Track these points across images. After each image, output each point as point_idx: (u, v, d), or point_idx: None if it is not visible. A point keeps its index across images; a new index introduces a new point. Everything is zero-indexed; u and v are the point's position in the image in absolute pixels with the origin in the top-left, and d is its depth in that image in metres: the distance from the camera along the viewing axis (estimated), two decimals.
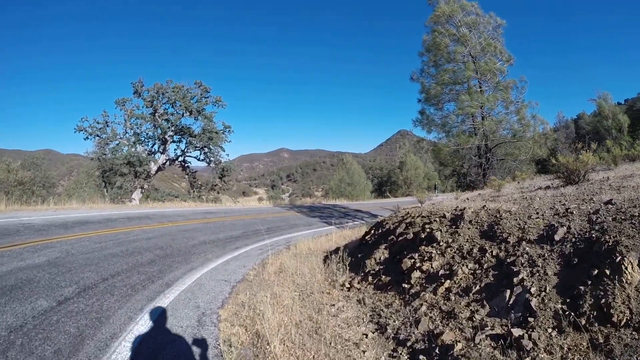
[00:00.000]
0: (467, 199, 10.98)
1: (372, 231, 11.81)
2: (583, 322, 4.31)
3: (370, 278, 8.52)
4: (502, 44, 23.01)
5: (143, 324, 5.79)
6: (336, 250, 11.09)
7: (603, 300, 4.32)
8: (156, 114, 36.37)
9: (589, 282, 4.52)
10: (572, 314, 4.45)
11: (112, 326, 5.64)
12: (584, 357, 3.99)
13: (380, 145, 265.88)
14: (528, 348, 4.29)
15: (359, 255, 10.18)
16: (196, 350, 5.14)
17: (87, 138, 34.81)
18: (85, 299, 6.61)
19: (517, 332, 4.57)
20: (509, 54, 22.97)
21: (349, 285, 8.49)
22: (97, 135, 34.87)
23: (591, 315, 4.31)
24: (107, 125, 35.47)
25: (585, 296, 4.53)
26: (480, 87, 22.42)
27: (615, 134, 42.93)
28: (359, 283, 8.53)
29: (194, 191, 38.86)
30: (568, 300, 4.66)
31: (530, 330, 4.55)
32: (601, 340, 4.04)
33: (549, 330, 4.47)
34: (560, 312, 4.56)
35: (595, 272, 4.78)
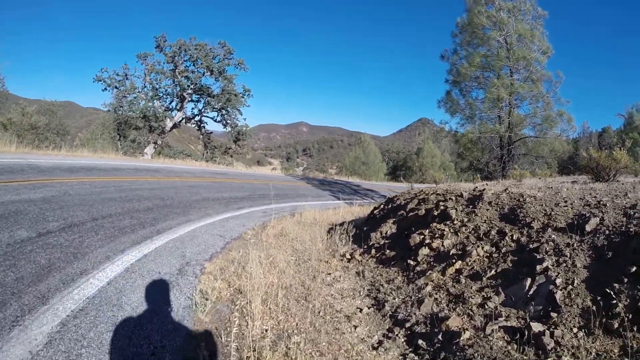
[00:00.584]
0: (487, 184, 10.44)
1: (382, 206, 11.45)
2: (616, 325, 3.80)
3: (373, 251, 8.14)
4: (541, 33, 22.07)
5: (119, 265, 5.45)
6: (342, 224, 10.69)
7: None
8: (176, 70, 36.05)
9: (625, 280, 4.03)
10: (604, 313, 3.95)
11: (85, 263, 5.32)
12: None
13: (399, 131, 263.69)
14: (549, 347, 3.81)
15: (365, 229, 9.82)
16: (166, 298, 4.79)
17: (105, 89, 34.67)
18: (68, 234, 6.30)
19: (537, 327, 4.08)
20: (547, 45, 21.98)
21: (349, 257, 8.11)
22: (116, 87, 34.68)
23: (626, 318, 3.72)
24: (127, 78, 35.29)
25: (620, 295, 4.01)
26: (511, 75, 21.59)
27: None
28: (360, 255, 8.14)
29: (207, 152, 38.60)
30: (599, 298, 4.15)
31: (553, 327, 4.06)
32: (635, 347, 3.53)
33: (575, 329, 3.97)
34: (590, 310, 4.06)
35: (634, 269, 4.28)
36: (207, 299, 4.80)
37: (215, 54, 36.76)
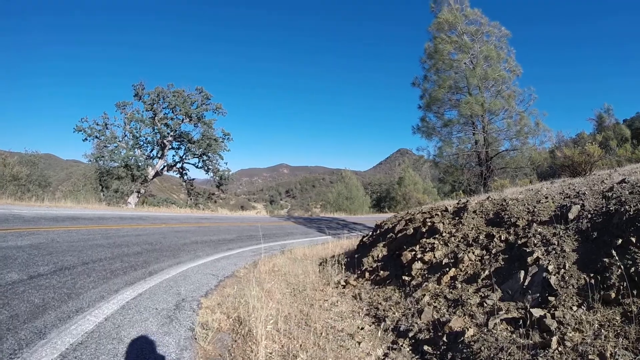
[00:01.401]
0: (469, 198, 10.63)
1: (371, 233, 11.53)
2: (613, 295, 4.01)
3: (367, 275, 8.21)
4: (507, 53, 22.76)
5: (115, 303, 5.41)
6: (332, 257, 10.69)
7: (633, 269, 4.08)
8: (156, 117, 36.20)
9: (614, 253, 4.21)
10: (600, 286, 4.16)
11: (80, 302, 5.29)
12: (620, 330, 3.63)
13: (379, 164, 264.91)
14: (552, 328, 3.94)
15: (356, 256, 9.82)
16: (166, 330, 4.74)
17: (85, 139, 34.53)
18: (59, 277, 6.27)
19: (537, 312, 4.25)
20: (516, 64, 22.68)
21: (344, 283, 8.10)
22: (96, 137, 34.55)
23: (621, 287, 3.99)
24: (107, 128, 35.25)
25: (612, 268, 4.25)
26: (482, 95, 22.06)
27: (617, 144, 42.59)
28: (355, 280, 8.15)
29: (190, 199, 38.45)
30: (592, 275, 4.37)
31: (553, 309, 4.23)
32: (636, 311, 3.70)
33: (574, 307, 4.14)
34: (586, 287, 4.26)
35: (620, 241, 4.55)
36: (208, 330, 4.76)
37: (193, 100, 37.04)
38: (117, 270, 7.28)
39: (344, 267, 9.21)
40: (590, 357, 3.37)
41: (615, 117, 50.74)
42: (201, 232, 15.70)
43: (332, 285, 7.95)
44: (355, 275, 8.45)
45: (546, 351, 3.66)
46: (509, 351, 3.87)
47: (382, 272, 7.90)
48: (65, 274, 6.44)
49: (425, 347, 4.65)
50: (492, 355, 3.93)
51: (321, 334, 4.97)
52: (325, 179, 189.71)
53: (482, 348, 4.08)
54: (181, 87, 37.10)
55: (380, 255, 8.87)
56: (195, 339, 4.57)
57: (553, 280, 4.65)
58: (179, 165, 39.07)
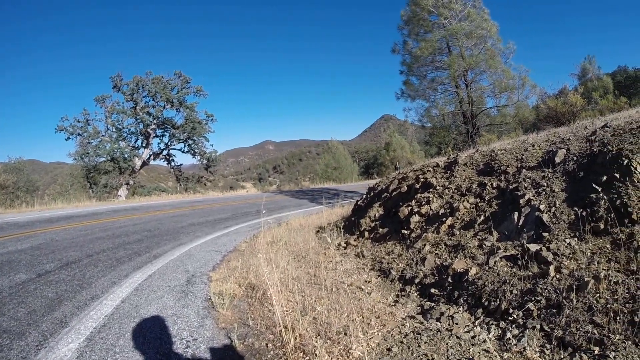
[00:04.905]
0: (458, 154, 10.80)
1: (365, 196, 11.63)
2: (602, 226, 4.35)
3: (366, 234, 8.38)
4: (482, 11, 22.71)
5: (127, 287, 5.56)
6: (329, 223, 10.86)
7: (618, 201, 4.40)
8: (137, 107, 35.86)
9: (599, 189, 4.37)
10: (590, 219, 4.48)
11: (93, 290, 5.42)
12: (611, 256, 3.93)
13: (364, 132, 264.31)
14: (549, 259, 4.21)
15: (353, 219, 9.97)
16: (183, 303, 4.92)
17: (68, 138, 34.12)
18: (67, 271, 6.38)
19: (533, 247, 4.51)
20: (491, 22, 22.54)
21: (345, 245, 8.25)
22: (79, 134, 34.21)
23: (609, 218, 4.32)
24: (88, 124, 34.85)
25: (599, 202, 4.54)
26: (462, 54, 22.08)
27: (600, 96, 42.70)
28: (355, 241, 8.31)
29: (180, 184, 38.41)
30: (581, 211, 4.59)
31: (548, 243, 4.51)
32: (624, 239, 4.02)
33: (567, 240, 4.42)
34: (576, 221, 4.57)
35: (604, 178, 4.85)
36: (223, 298, 4.91)
37: (172, 85, 36.72)
38: (122, 258, 7.40)
39: (342, 230, 9.38)
40: (586, 279, 3.62)
41: (599, 68, 50.69)
42: (196, 215, 15.74)
43: (334, 248, 8.07)
44: (355, 236, 8.61)
45: (545, 279, 3.93)
46: (511, 283, 4.15)
47: (381, 229, 8.08)
48: (72, 268, 6.56)
49: (432, 290, 4.88)
50: (496, 288, 4.19)
51: (332, 289, 5.11)
52: (312, 152, 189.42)
53: (486, 283, 4.35)
54: (160, 73, 36.76)
55: (377, 215, 9.00)
56: (213, 307, 4.75)
57: (545, 217, 4.94)
58: (165, 152, 38.92)
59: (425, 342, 3.59)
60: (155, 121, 36.64)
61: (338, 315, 3.98)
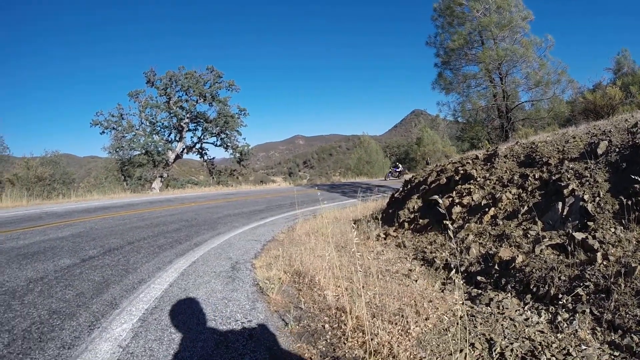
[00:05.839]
0: (497, 146, 10.71)
1: (401, 189, 11.57)
2: None
3: (406, 225, 8.39)
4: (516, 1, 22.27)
5: (173, 272, 5.62)
6: (365, 217, 10.83)
7: None
8: (170, 101, 36.38)
9: None
10: (634, 208, 4.58)
11: (139, 274, 5.48)
12: None
13: (394, 127, 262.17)
14: (595, 247, 4.32)
15: (390, 211, 10.02)
16: (232, 287, 4.95)
17: (103, 132, 34.92)
18: (111, 257, 6.46)
19: (579, 235, 4.63)
20: (527, 10, 22.24)
21: (384, 235, 8.27)
22: (113, 128, 34.88)
23: None
24: (122, 118, 35.51)
25: None
26: (495, 47, 21.73)
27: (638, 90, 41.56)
28: (394, 232, 8.33)
29: (213, 178, 38.70)
30: (625, 200, 4.70)
31: (593, 232, 4.62)
32: None
33: (612, 229, 4.56)
34: (621, 211, 4.69)
35: None
36: (271, 283, 4.93)
37: (205, 79, 37.08)
38: (164, 245, 7.48)
39: (380, 222, 9.33)
40: (633, 265, 3.73)
41: (633, 62, 49.37)
42: (231, 206, 15.84)
43: (373, 239, 8.08)
44: (394, 228, 8.61)
45: (592, 266, 4.04)
46: (558, 269, 4.24)
47: (421, 220, 8.07)
48: (115, 254, 6.64)
49: (479, 278, 4.95)
50: (544, 275, 4.27)
51: (378, 276, 5.15)
52: (342, 146, 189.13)
53: (534, 270, 4.43)
54: (192, 68, 37.12)
55: (415, 207, 9.01)
56: (262, 292, 4.77)
57: (590, 207, 5.04)
58: (197, 146, 39.35)
59: (481, 324, 3.69)
60: (188, 115, 37.11)
61: (390, 299, 3.96)
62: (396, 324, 3.56)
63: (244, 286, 4.99)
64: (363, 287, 4.35)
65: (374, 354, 3.06)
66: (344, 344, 3.41)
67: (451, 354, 3.14)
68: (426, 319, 3.78)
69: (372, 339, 3.28)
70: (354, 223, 10.48)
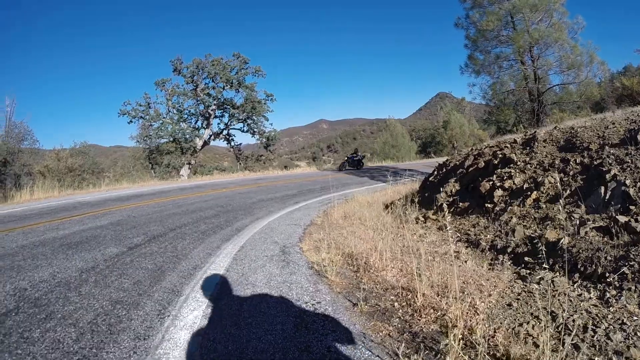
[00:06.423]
0: (536, 131, 10.64)
1: (435, 173, 11.54)
2: None
3: (445, 208, 8.17)
4: None
5: (225, 257, 5.73)
6: (399, 199, 10.76)
7: None
8: (197, 89, 36.64)
9: None
10: None
11: (191, 261, 5.59)
12: None
13: (419, 110, 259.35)
14: (638, 229, 4.42)
15: (426, 195, 10.04)
16: (289, 271, 5.05)
17: (130, 121, 35.26)
18: (157, 244, 6.59)
19: (622, 218, 4.73)
20: None
21: (423, 219, 8.28)
22: (141, 117, 35.21)
23: None
24: (150, 107, 35.81)
25: None
26: (527, 28, 21.36)
27: None
28: (433, 214, 8.35)
29: (240, 163, 38.86)
30: None
31: (636, 215, 4.73)
32: None
33: None
34: None
35: None
36: (326, 266, 4.98)
37: (231, 66, 37.15)
38: (207, 231, 7.61)
39: (417, 205, 9.31)
40: None
41: None
42: (262, 192, 15.96)
43: (411, 222, 8.07)
44: (432, 211, 8.62)
45: (637, 247, 4.16)
46: (604, 250, 4.35)
47: (461, 204, 8.07)
48: (160, 241, 6.77)
49: (526, 258, 5.02)
50: (590, 255, 4.38)
51: (428, 258, 5.23)
52: (366, 130, 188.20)
53: (580, 251, 4.53)
54: (219, 55, 37.19)
55: (453, 190, 8.99)
56: (319, 274, 4.87)
57: (632, 191, 5.11)
58: (224, 132, 39.61)
59: (539, 299, 3.80)
60: (215, 102, 37.31)
61: (451, 279, 3.97)
62: (463, 300, 3.64)
63: (300, 269, 5.08)
64: (418, 267, 4.38)
65: (452, 328, 3.13)
66: (418, 320, 3.51)
67: (521, 325, 3.31)
68: (489, 295, 3.93)
69: (443, 315, 3.42)
70: (386, 207, 10.48)
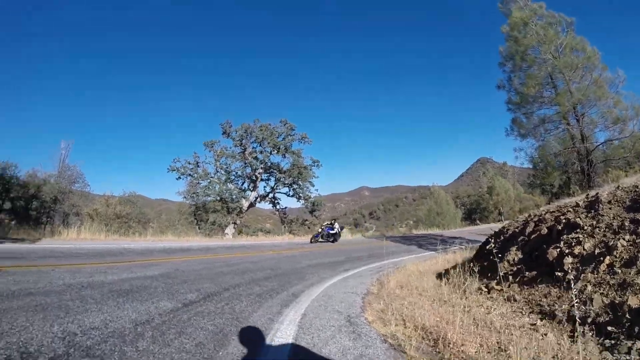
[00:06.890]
0: (598, 192, 10.33)
1: (492, 240, 11.18)
2: None
3: (510, 278, 8.15)
4: (581, 40, 22.04)
5: (288, 324, 5.45)
6: (447, 271, 10.45)
7: None
8: (245, 152, 37.96)
9: None
10: None
11: (254, 325, 5.32)
12: None
13: (460, 176, 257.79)
14: None
15: (485, 264, 9.82)
16: (362, 344, 4.78)
17: (179, 178, 36.65)
18: (213, 303, 6.34)
19: None
20: (592, 48, 21.79)
21: (486, 289, 8.00)
22: (189, 175, 36.38)
23: None
24: (198, 166, 37.20)
25: None
26: (569, 88, 21.20)
27: None
28: (497, 284, 8.03)
29: (284, 227, 39.13)
30: None
31: None
32: None
33: None
34: None
35: None
36: (401, 339, 4.81)
37: (278, 132, 38.37)
38: (263, 294, 7.40)
39: (477, 275, 9.01)
40: None
41: None
42: (309, 257, 15.91)
43: (474, 293, 7.84)
44: (496, 281, 8.28)
45: None
46: None
47: (527, 273, 7.78)
48: (216, 300, 6.55)
49: (609, 328, 4.77)
50: None
51: (504, 331, 5.00)
52: (408, 197, 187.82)
53: None
54: (267, 121, 38.61)
55: (515, 259, 8.76)
56: (395, 349, 4.60)
57: None
58: (270, 195, 40.39)
59: None
60: (262, 166, 38.36)
61: (540, 354, 3.73)
62: None
63: (374, 342, 4.82)
64: (497, 342, 4.13)
65: None
66: None
67: None
68: None
69: None
70: (438, 277, 10.23)
